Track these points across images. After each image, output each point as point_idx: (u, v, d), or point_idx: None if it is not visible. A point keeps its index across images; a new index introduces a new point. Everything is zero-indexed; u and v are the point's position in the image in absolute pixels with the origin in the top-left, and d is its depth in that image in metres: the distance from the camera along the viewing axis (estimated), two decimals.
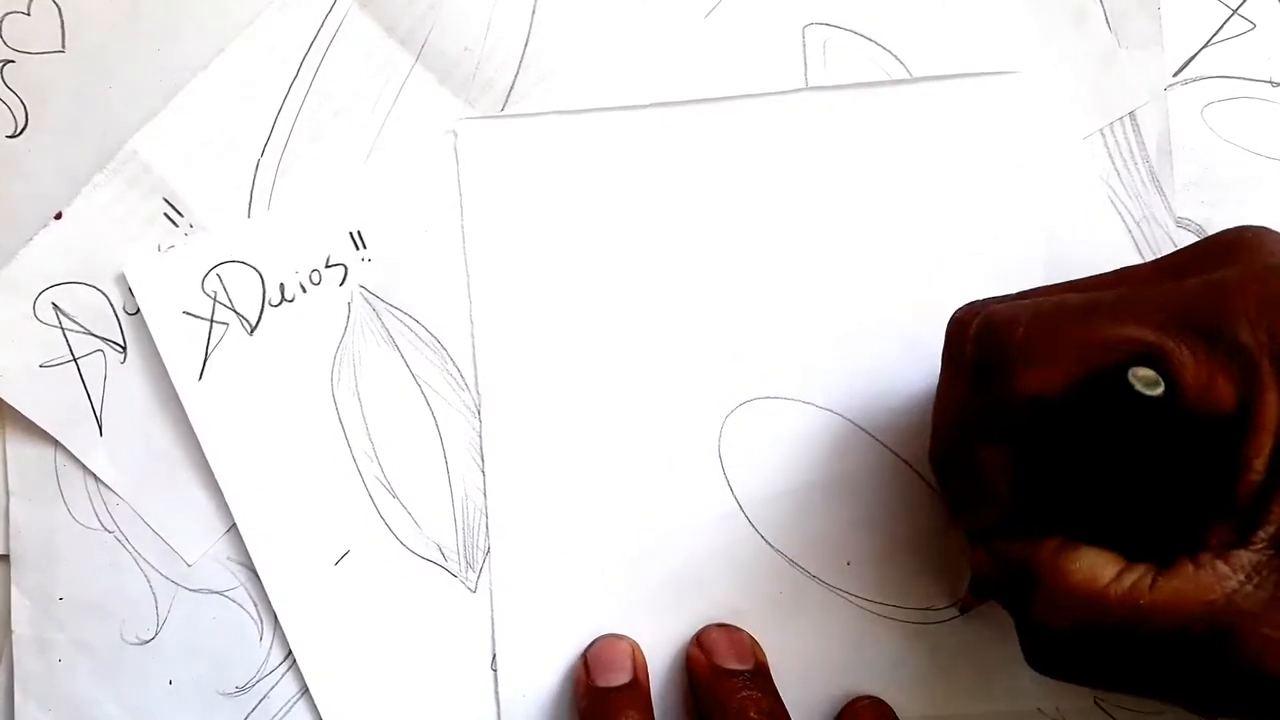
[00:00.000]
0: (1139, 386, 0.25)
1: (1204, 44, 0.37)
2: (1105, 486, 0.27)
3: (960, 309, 0.30)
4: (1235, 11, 0.37)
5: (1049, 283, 0.31)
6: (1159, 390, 0.25)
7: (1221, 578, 0.25)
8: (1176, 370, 0.25)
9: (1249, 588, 0.25)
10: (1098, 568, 0.27)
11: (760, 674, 0.35)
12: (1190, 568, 0.25)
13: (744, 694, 0.34)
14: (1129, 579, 0.26)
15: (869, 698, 0.36)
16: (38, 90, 0.38)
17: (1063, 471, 0.28)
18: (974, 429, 0.29)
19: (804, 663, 0.36)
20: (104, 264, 0.37)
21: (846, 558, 0.36)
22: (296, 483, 0.37)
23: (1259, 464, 0.25)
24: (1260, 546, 0.25)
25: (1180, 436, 0.26)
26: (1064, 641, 0.27)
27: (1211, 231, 0.35)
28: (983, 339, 0.28)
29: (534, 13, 0.37)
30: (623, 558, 0.36)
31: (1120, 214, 0.36)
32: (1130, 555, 0.27)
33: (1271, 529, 0.25)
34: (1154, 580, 0.26)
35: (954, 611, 0.36)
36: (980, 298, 0.31)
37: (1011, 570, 0.28)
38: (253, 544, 0.37)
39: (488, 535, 0.37)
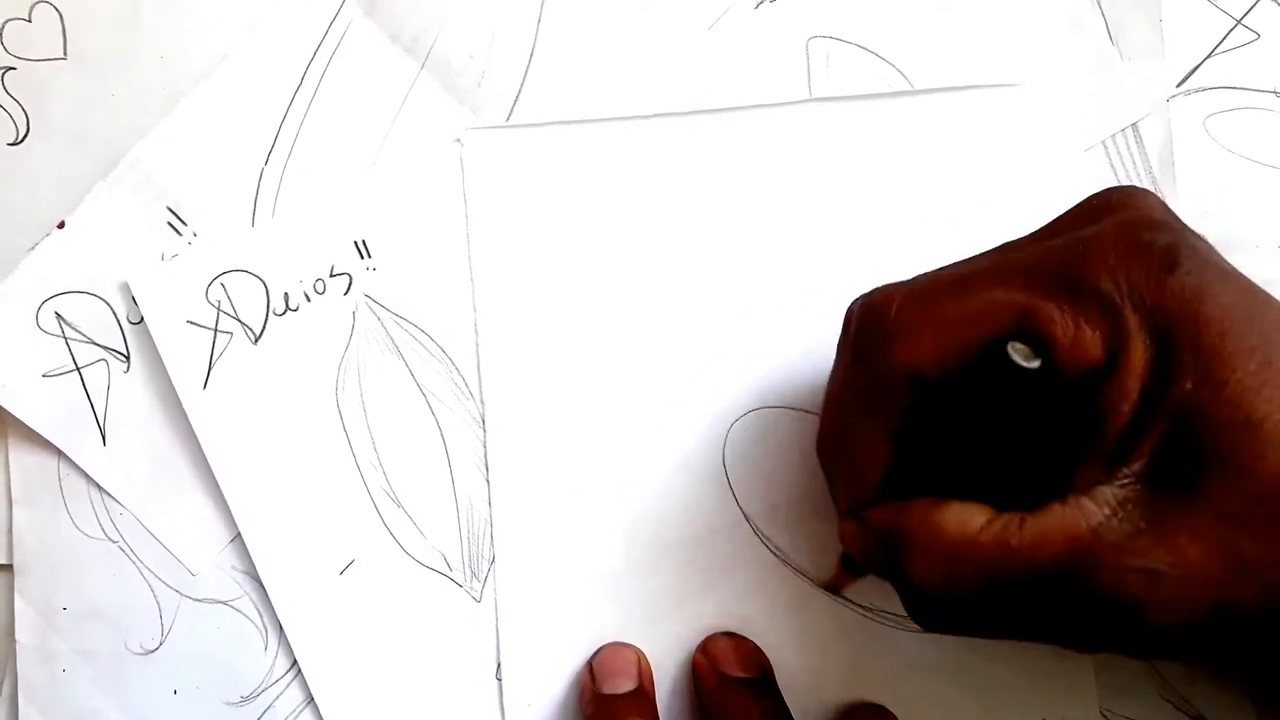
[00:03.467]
0: (1018, 360, 0.25)
1: (1207, 54, 0.37)
2: (977, 449, 0.28)
3: (854, 299, 0.31)
4: (1239, 21, 0.37)
5: None
6: (1036, 363, 0.25)
7: (1088, 514, 0.26)
8: (1045, 326, 0.26)
9: (1114, 521, 0.25)
10: (967, 517, 0.27)
11: (766, 682, 0.35)
12: (1058, 507, 0.26)
13: (750, 701, 0.34)
14: (998, 524, 0.27)
15: (873, 706, 0.36)
16: (39, 97, 0.38)
17: (938, 439, 0.28)
18: (857, 407, 0.30)
19: (809, 671, 0.36)
20: (107, 273, 0.37)
21: None
22: (301, 492, 0.37)
23: (1125, 408, 0.25)
24: (1126, 482, 0.25)
25: (1051, 395, 0.26)
26: (943, 594, 0.28)
27: (1214, 241, 0.35)
28: (862, 318, 0.29)
29: (539, 22, 0.37)
30: (627, 566, 0.36)
31: None
32: (1000, 509, 0.27)
33: (1136, 466, 0.25)
34: (1022, 523, 0.26)
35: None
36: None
37: (884, 536, 0.29)
38: (257, 553, 0.37)
39: (492, 545, 0.37)
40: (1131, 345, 0.25)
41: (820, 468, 0.33)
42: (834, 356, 0.31)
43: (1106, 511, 0.25)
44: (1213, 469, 0.25)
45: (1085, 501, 0.26)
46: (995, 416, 0.27)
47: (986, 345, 0.26)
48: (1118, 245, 0.26)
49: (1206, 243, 0.27)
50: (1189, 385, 0.25)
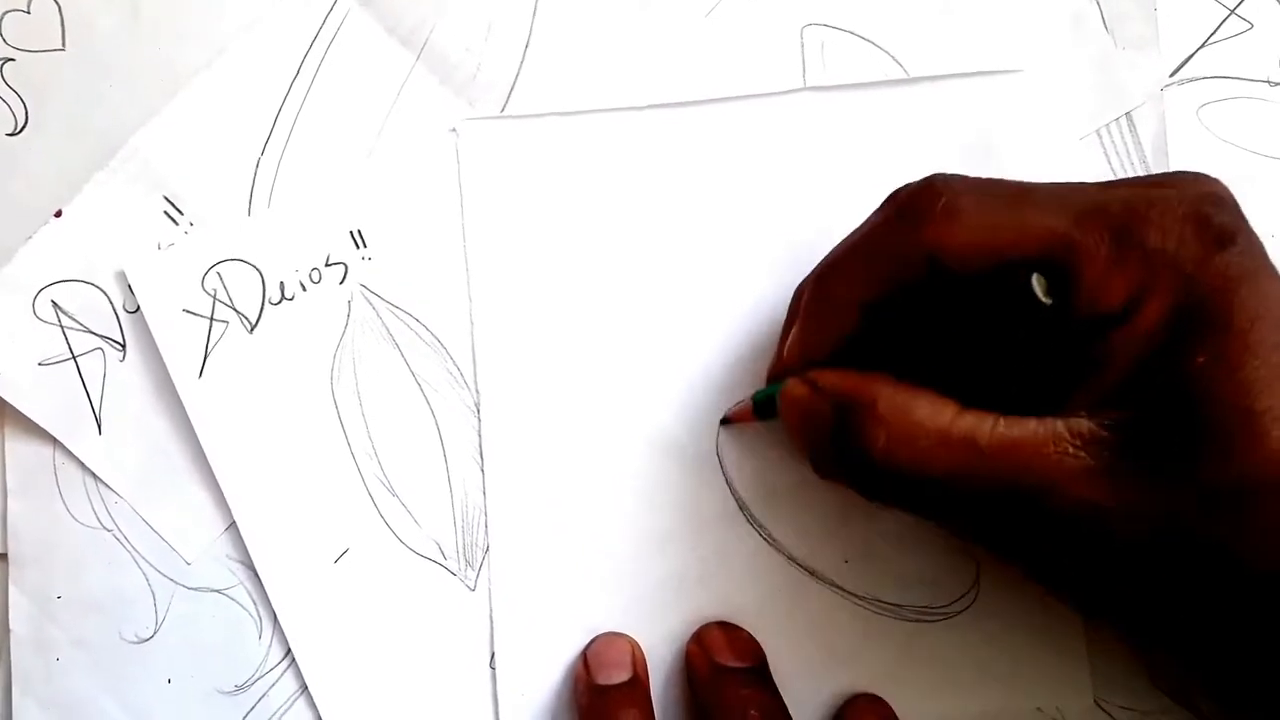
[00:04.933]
0: (1036, 290, 0.26)
1: (1201, 44, 0.37)
2: (963, 353, 0.28)
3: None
4: (1233, 11, 0.37)
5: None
6: (1049, 300, 0.26)
7: (1058, 437, 0.26)
8: (1079, 262, 0.26)
9: (1080, 454, 0.26)
10: (940, 406, 0.27)
11: (760, 671, 0.35)
12: (1033, 422, 0.26)
13: (744, 691, 0.34)
14: (970, 419, 0.27)
15: (868, 695, 0.36)
16: (38, 88, 0.38)
17: (923, 332, 0.29)
18: (854, 262, 0.30)
19: (803, 660, 0.36)
20: (104, 262, 0.37)
21: (844, 555, 0.36)
22: (296, 481, 0.37)
23: (1123, 360, 0.26)
24: (1107, 424, 0.26)
25: (1055, 326, 0.26)
26: (902, 473, 0.28)
27: None
28: (915, 193, 0.29)
29: (535, 13, 0.38)
30: (622, 555, 0.36)
31: None
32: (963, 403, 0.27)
33: (1123, 415, 0.26)
34: (995, 425, 0.27)
35: (951, 610, 0.36)
36: None
37: (841, 402, 0.29)
38: (252, 542, 0.37)
39: (487, 533, 0.37)
40: (1153, 301, 0.25)
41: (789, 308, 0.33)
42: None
43: (1077, 443, 0.26)
44: (1202, 445, 0.25)
45: (1060, 425, 0.26)
46: (993, 330, 0.27)
47: (1011, 264, 0.26)
48: (1180, 210, 0.26)
49: (1262, 242, 0.27)
50: (1200, 360, 0.25)
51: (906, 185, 0.30)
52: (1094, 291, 0.26)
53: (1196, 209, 0.26)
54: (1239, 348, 0.25)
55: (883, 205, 0.30)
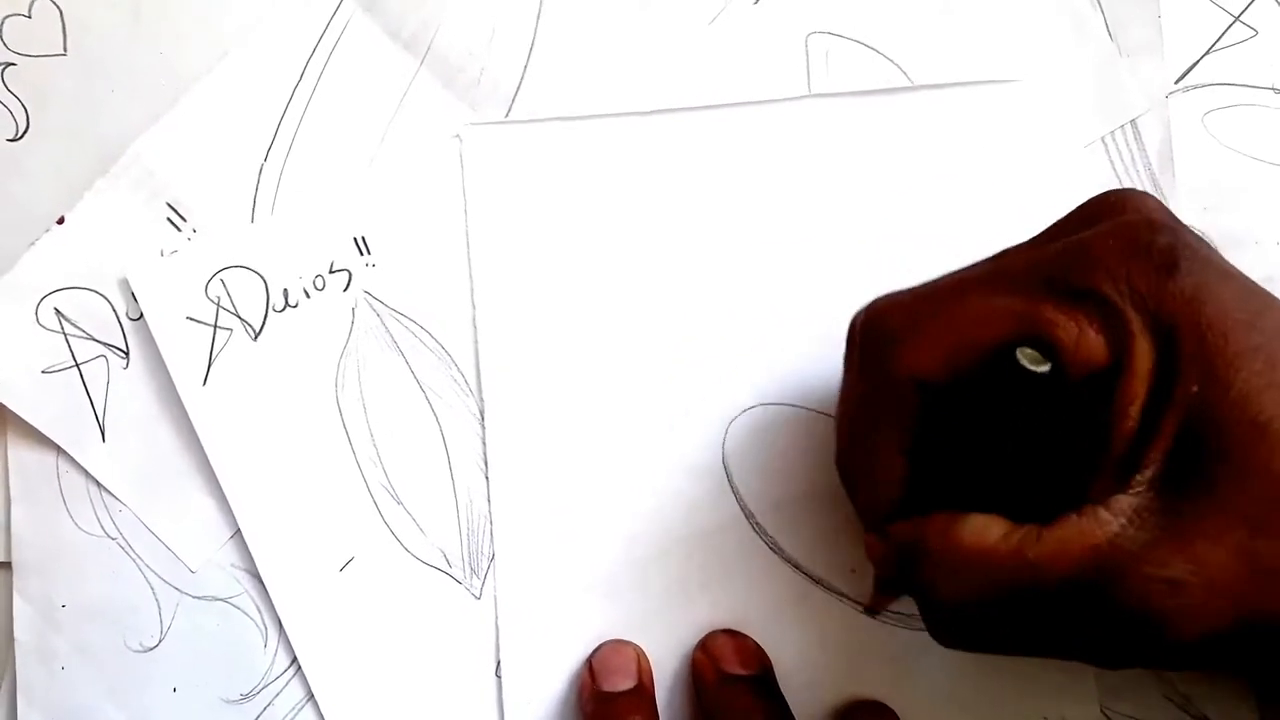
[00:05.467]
0: (1027, 365, 0.25)
1: (1205, 51, 0.37)
2: (990, 458, 0.28)
3: (857, 311, 0.31)
4: (1237, 18, 0.37)
5: None
6: (1046, 367, 0.25)
7: (1103, 523, 0.25)
8: (1048, 330, 0.25)
9: (1131, 530, 0.25)
10: (984, 529, 0.27)
11: (765, 679, 0.35)
12: (1074, 518, 0.26)
13: (749, 699, 0.34)
14: (1015, 536, 0.26)
15: (873, 702, 0.36)
16: (39, 93, 0.38)
17: (951, 449, 0.28)
18: (868, 420, 0.29)
19: (808, 668, 0.36)
20: (107, 269, 0.37)
21: (850, 564, 0.36)
22: (301, 489, 0.37)
23: (1133, 411, 0.25)
24: (1139, 490, 0.25)
25: (1060, 401, 0.26)
26: (963, 610, 0.27)
27: (1214, 238, 0.35)
28: (866, 329, 0.29)
29: (538, 18, 0.37)
30: (627, 563, 0.36)
31: None
32: (1017, 521, 0.27)
33: (1149, 472, 0.25)
34: (1039, 535, 0.26)
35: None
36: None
37: (903, 550, 0.29)
38: (257, 550, 0.37)
39: (492, 541, 0.37)
40: (1135, 347, 0.25)
41: (842, 482, 0.32)
42: (841, 368, 0.31)
43: (1123, 521, 0.25)
44: (1224, 472, 0.24)
45: (1100, 511, 0.25)
46: (1005, 423, 0.27)
47: (995, 351, 0.26)
48: (1117, 247, 0.26)
49: (1206, 243, 0.27)
50: (1195, 388, 0.24)
51: (855, 317, 0.30)
52: (1076, 353, 0.25)
53: (1132, 241, 0.26)
54: (1222, 365, 0.24)
55: (847, 353, 0.30)
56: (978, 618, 0.27)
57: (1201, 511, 0.24)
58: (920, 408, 0.28)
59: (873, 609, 0.35)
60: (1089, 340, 0.25)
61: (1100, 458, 0.26)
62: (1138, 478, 0.25)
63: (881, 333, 0.28)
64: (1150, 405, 0.25)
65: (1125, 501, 0.25)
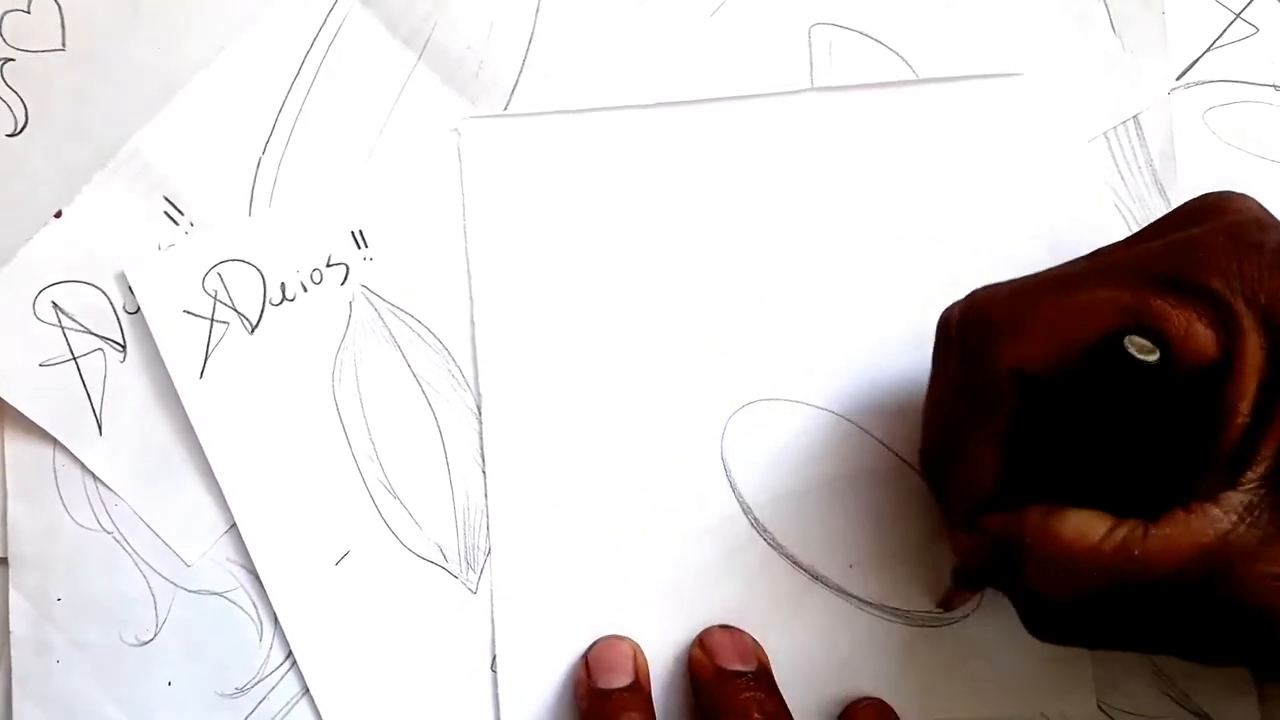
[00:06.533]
0: (1135, 354, 0.25)
1: (1207, 48, 0.37)
2: (1091, 452, 0.28)
3: (949, 306, 0.31)
4: (1238, 16, 0.37)
5: None
6: (1155, 356, 0.25)
7: (1214, 520, 0.25)
8: (1158, 322, 0.25)
9: (1242, 527, 0.25)
10: (1087, 526, 0.27)
11: (763, 675, 0.34)
12: (1182, 515, 0.26)
13: (747, 695, 0.34)
14: (1120, 533, 0.26)
15: (871, 699, 0.35)
16: (38, 88, 0.38)
17: (1049, 442, 0.28)
18: (964, 413, 0.29)
19: (806, 665, 0.36)
20: (104, 263, 0.37)
21: (849, 560, 0.36)
22: (297, 483, 0.37)
23: (1244, 406, 0.25)
24: (1251, 486, 0.25)
25: (1168, 394, 0.26)
26: (1063, 605, 0.27)
27: None
28: (966, 322, 0.29)
29: (537, 11, 0.37)
30: (624, 559, 0.36)
31: (1124, 217, 0.36)
32: (1117, 515, 0.27)
33: (1261, 468, 0.25)
34: (1146, 531, 0.26)
35: (956, 615, 0.36)
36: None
37: (1000, 546, 0.29)
38: (253, 544, 0.36)
39: (488, 536, 0.36)
40: (1246, 342, 0.25)
41: (925, 474, 0.33)
42: (929, 366, 0.31)
43: (1234, 518, 0.25)
44: None
45: (1211, 508, 0.25)
46: (1112, 416, 0.27)
47: (1102, 340, 0.26)
48: (1228, 245, 0.26)
49: None
50: None
51: (949, 311, 0.30)
52: (1185, 345, 0.25)
53: (1244, 239, 0.26)
54: None
55: (939, 346, 0.30)
56: (1078, 612, 0.27)
57: None
58: (1017, 399, 0.28)
59: (948, 603, 0.35)
60: (1198, 333, 0.25)
61: (1208, 454, 0.26)
62: (1249, 474, 0.25)
63: (983, 324, 0.28)
64: (1261, 401, 0.25)
65: (1236, 498, 0.25)
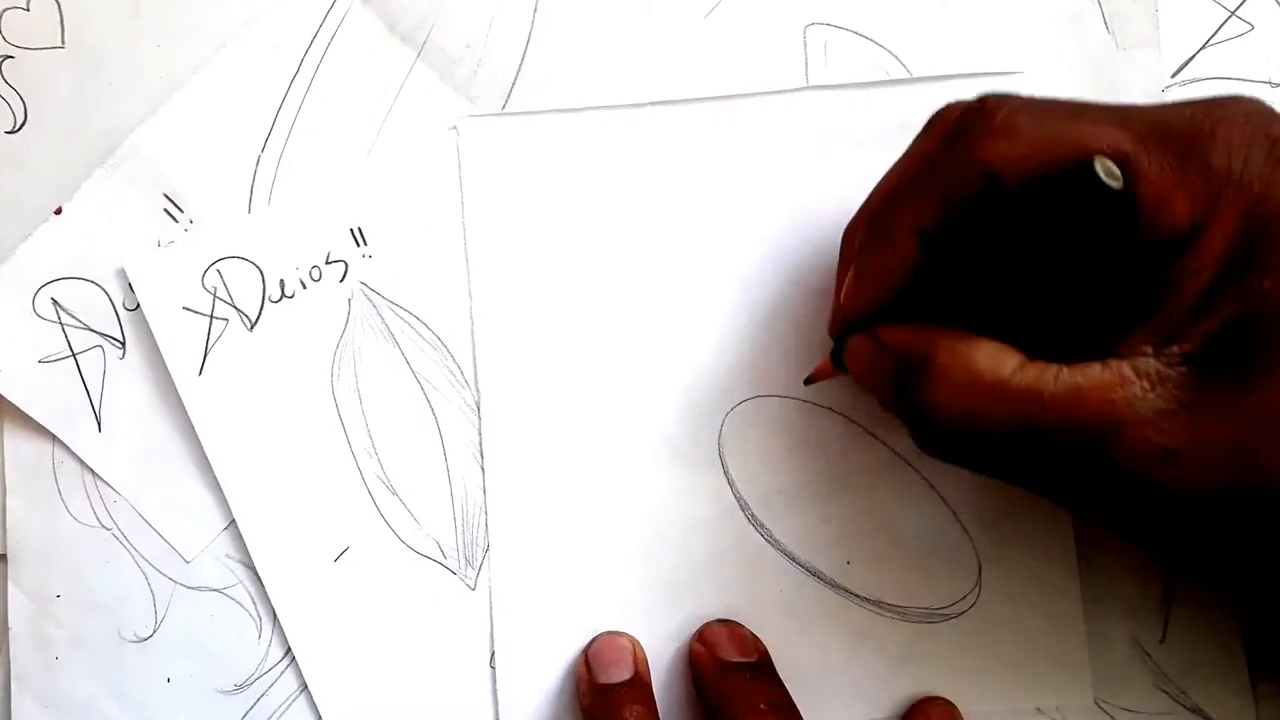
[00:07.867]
0: (1101, 175, 0.25)
1: (1202, 45, 0.37)
2: (1021, 287, 0.28)
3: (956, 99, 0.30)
4: (1233, 13, 0.37)
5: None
6: (1118, 183, 0.25)
7: (1125, 380, 0.25)
8: (1136, 172, 0.25)
9: (1151, 395, 0.25)
10: (1001, 357, 0.27)
11: (765, 666, 0.35)
12: (1098, 367, 0.26)
13: (752, 686, 0.34)
14: (1032, 371, 0.26)
15: (939, 699, 0.35)
16: (37, 86, 0.38)
17: (982, 264, 0.28)
18: (911, 190, 0.29)
19: (804, 661, 0.36)
20: (104, 259, 0.37)
21: (847, 556, 0.36)
22: (296, 479, 0.37)
23: (1195, 285, 0.25)
24: (1171, 360, 0.25)
25: (1120, 247, 0.26)
26: (959, 427, 0.27)
27: None
28: (971, 108, 0.28)
29: (536, 11, 0.38)
30: (622, 555, 0.36)
31: None
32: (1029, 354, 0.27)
33: (1188, 346, 0.25)
34: (1058, 375, 0.26)
35: (953, 611, 0.36)
36: None
37: (903, 357, 0.29)
38: (252, 541, 0.37)
39: (487, 532, 0.36)
40: (1219, 222, 0.25)
41: (840, 254, 0.32)
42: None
43: (1145, 384, 0.25)
44: (1265, 372, 0.24)
45: (1125, 368, 0.25)
46: (1055, 248, 0.27)
47: (1078, 163, 0.25)
48: (1244, 128, 0.26)
49: None
50: (1268, 284, 0.24)
51: (954, 104, 0.29)
52: (1157, 212, 0.25)
53: (1261, 128, 0.26)
54: None
55: (929, 127, 0.30)
56: (972, 439, 0.27)
57: (1222, 398, 0.25)
58: (971, 199, 0.27)
59: (812, 379, 0.35)
60: (1175, 202, 0.25)
61: (1143, 318, 0.26)
62: (1174, 349, 0.25)
63: (984, 119, 0.27)
64: (1214, 284, 0.25)
65: (1152, 365, 0.25)
